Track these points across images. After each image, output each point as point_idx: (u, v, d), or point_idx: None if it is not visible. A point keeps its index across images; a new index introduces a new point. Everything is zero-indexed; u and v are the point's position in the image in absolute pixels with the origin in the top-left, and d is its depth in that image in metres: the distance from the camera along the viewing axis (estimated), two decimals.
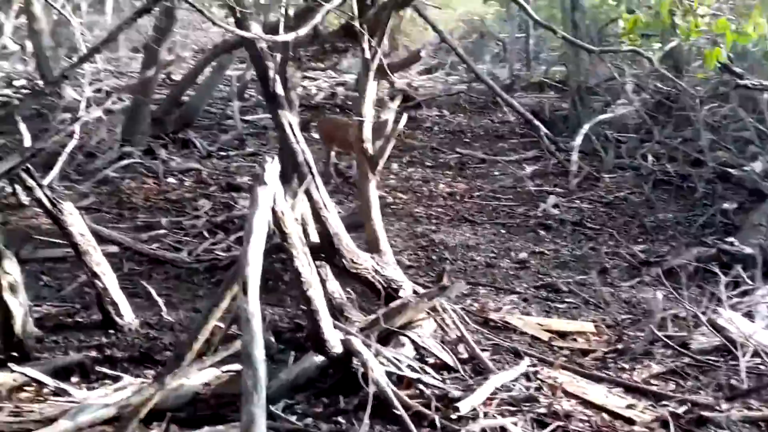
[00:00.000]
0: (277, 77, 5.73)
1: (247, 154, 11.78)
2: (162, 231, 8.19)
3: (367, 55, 5.58)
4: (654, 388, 5.03)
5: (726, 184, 9.90)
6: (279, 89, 5.78)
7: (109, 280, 5.82)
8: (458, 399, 4.51)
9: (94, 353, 5.41)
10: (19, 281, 5.23)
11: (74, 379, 5.05)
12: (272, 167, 4.20)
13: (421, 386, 4.71)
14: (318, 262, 5.58)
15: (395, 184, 10.43)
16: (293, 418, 4.44)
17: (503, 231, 8.78)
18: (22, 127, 8.84)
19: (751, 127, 10.72)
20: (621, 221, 9.20)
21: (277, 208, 4.32)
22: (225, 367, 4.83)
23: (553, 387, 4.90)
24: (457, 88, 17.84)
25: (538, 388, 4.88)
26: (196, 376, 4.67)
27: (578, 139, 11.41)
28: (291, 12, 6.22)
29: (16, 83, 15.44)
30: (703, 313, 5.56)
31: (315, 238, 5.58)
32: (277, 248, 4.75)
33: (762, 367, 5.13)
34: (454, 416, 4.38)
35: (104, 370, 5.12)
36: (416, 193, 10.08)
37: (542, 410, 4.56)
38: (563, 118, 13.78)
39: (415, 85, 18.43)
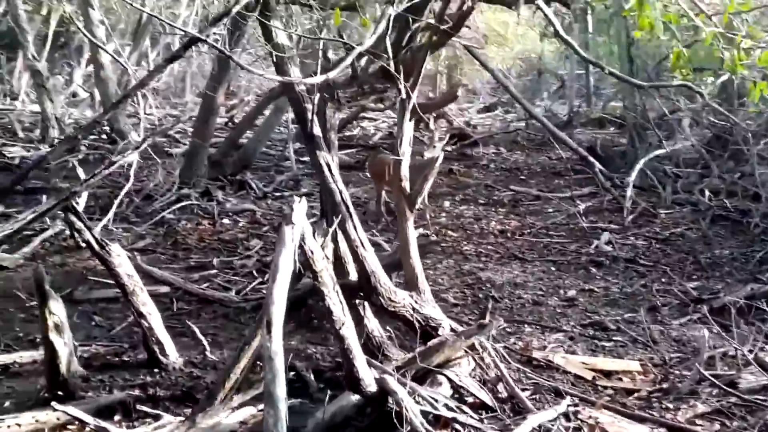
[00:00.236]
0: (315, 118, 5.83)
1: (302, 194, 11.93)
2: (213, 271, 8.33)
3: (403, 95, 5.63)
4: (698, 429, 4.91)
5: None
6: (317, 130, 5.89)
7: (154, 319, 5.93)
8: None
9: (137, 392, 5.48)
10: (65, 321, 5.35)
11: (116, 418, 5.12)
12: (300, 207, 4.27)
13: (457, 426, 4.67)
14: (357, 301, 5.65)
15: (446, 222, 10.43)
16: None
17: (553, 268, 8.68)
18: (79, 170, 9.19)
19: None
20: (676, 258, 9.00)
21: (306, 247, 4.38)
22: (261, 406, 4.87)
23: (592, 427, 4.81)
24: (514, 125, 17.89)
25: (578, 429, 4.82)
26: (233, 415, 4.74)
27: (633, 175, 11.27)
28: (331, 55, 6.36)
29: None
30: (751, 351, 5.40)
31: (354, 276, 5.64)
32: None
33: None
34: None
35: (145, 408, 5.18)
36: (467, 231, 10.04)
37: None
38: (621, 154, 13.67)
39: (474, 123, 18.53)
